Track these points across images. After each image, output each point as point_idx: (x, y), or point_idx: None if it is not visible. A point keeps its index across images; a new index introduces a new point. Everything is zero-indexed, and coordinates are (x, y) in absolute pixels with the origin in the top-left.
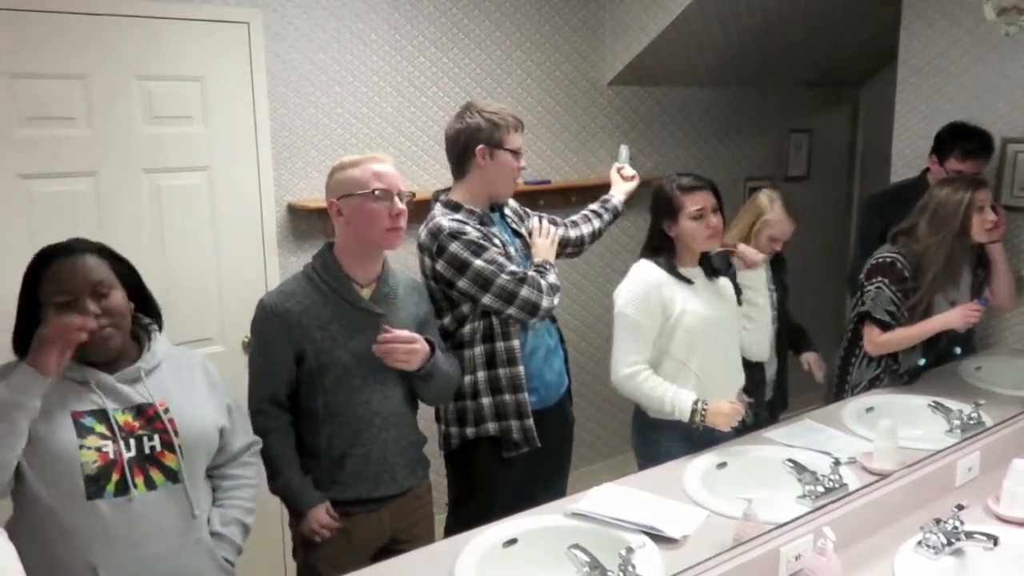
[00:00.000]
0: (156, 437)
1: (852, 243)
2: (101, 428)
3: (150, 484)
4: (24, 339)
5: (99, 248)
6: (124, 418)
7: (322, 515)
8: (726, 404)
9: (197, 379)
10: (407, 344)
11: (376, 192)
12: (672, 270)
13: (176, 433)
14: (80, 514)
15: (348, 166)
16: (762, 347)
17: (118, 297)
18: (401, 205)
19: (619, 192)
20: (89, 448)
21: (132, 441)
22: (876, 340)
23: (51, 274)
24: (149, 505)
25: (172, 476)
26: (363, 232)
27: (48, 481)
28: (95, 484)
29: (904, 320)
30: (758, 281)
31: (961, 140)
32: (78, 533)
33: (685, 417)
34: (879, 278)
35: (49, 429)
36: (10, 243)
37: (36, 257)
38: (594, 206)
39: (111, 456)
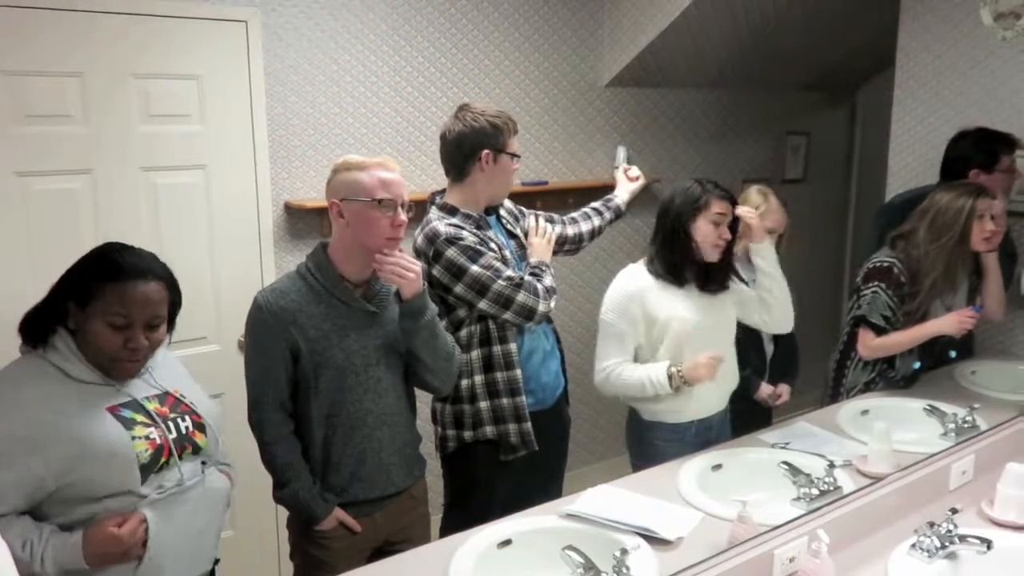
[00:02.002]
0: (187, 418)
1: (849, 245)
2: (141, 417)
3: (186, 462)
4: (38, 324)
5: (168, 277)
6: (153, 405)
7: (333, 523)
8: (702, 358)
9: (184, 373)
10: (409, 262)
11: (381, 201)
12: (673, 273)
13: (200, 414)
14: (135, 502)
15: (354, 167)
16: (787, 318)
17: (162, 331)
18: (403, 217)
19: (623, 192)
20: (138, 438)
21: (170, 424)
22: (870, 344)
23: (116, 292)
24: (190, 483)
25: (199, 453)
26: (362, 237)
27: (104, 479)
28: (148, 471)
29: (899, 325)
30: (768, 255)
31: (1001, 142)
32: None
33: (667, 388)
34: (876, 282)
35: (97, 431)
36: (6, 241)
37: (102, 259)
38: (596, 204)
39: (158, 441)
